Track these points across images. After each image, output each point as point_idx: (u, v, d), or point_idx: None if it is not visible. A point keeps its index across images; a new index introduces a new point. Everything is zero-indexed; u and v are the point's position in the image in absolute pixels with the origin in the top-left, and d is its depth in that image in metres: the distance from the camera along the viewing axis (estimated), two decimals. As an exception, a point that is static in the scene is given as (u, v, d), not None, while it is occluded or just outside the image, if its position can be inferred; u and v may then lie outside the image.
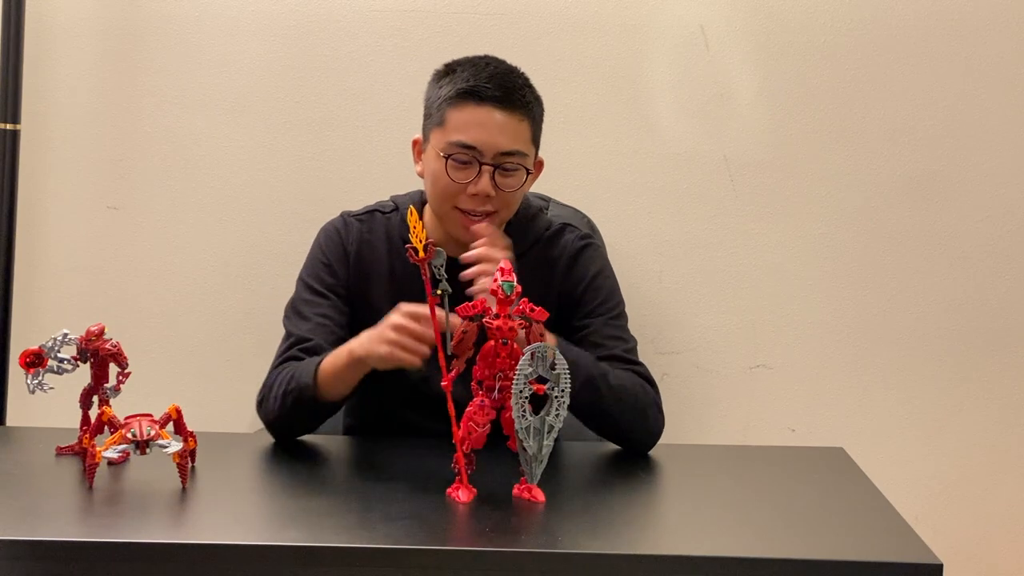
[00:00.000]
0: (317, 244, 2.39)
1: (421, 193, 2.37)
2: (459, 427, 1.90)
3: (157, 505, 1.85)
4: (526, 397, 1.85)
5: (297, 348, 2.26)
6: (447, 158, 2.24)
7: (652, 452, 2.24)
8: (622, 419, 2.22)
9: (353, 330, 2.22)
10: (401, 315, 2.04)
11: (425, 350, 2.01)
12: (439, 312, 1.92)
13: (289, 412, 2.19)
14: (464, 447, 1.89)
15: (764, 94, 2.92)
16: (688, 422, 2.89)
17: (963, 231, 2.95)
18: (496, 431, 1.91)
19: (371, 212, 2.41)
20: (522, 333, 1.91)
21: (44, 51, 2.85)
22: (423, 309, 1.98)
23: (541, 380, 1.86)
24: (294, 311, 2.34)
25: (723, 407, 2.99)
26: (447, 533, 1.84)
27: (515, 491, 1.91)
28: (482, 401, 1.89)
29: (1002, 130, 2.93)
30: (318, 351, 2.23)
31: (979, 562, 3.03)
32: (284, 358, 2.27)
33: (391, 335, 2.04)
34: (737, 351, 2.97)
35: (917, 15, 2.90)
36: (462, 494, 1.89)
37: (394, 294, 2.21)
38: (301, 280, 2.37)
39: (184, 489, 1.89)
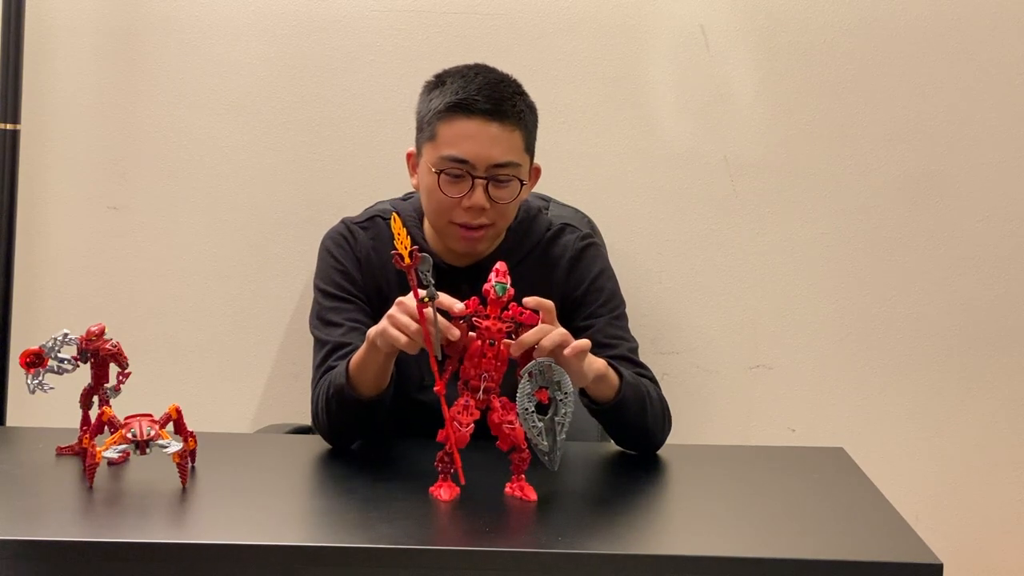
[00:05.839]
0: (327, 252, 2.37)
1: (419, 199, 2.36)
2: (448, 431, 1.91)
3: (157, 505, 1.85)
4: (532, 411, 1.88)
5: (335, 356, 2.23)
6: (439, 173, 2.23)
7: (652, 452, 2.25)
8: (652, 431, 2.23)
9: None
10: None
11: (414, 327, 1.95)
12: (427, 316, 1.90)
13: (337, 417, 2.17)
14: (448, 447, 1.90)
15: (764, 94, 2.92)
16: (688, 422, 2.88)
17: (963, 231, 2.95)
18: (482, 431, 1.92)
19: (371, 219, 2.40)
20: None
21: (44, 51, 2.85)
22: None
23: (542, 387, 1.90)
24: (321, 321, 2.31)
25: (723, 407, 2.98)
26: (446, 533, 1.85)
27: (507, 490, 1.92)
28: (466, 401, 1.90)
29: (1002, 130, 2.93)
30: None
31: (979, 562, 3.03)
32: (325, 368, 2.24)
33: (392, 311, 2.01)
34: (737, 351, 2.97)
35: (917, 15, 2.90)
36: (444, 492, 1.90)
37: None
38: (319, 290, 2.34)
39: (184, 489, 1.90)
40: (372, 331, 2.06)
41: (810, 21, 2.90)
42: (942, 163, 2.94)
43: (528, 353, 1.93)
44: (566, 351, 1.95)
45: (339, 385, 2.14)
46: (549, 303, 1.98)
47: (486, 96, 2.22)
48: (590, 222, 2.72)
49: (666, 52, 2.90)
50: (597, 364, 2.10)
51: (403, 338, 1.96)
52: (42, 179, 2.88)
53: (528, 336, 1.92)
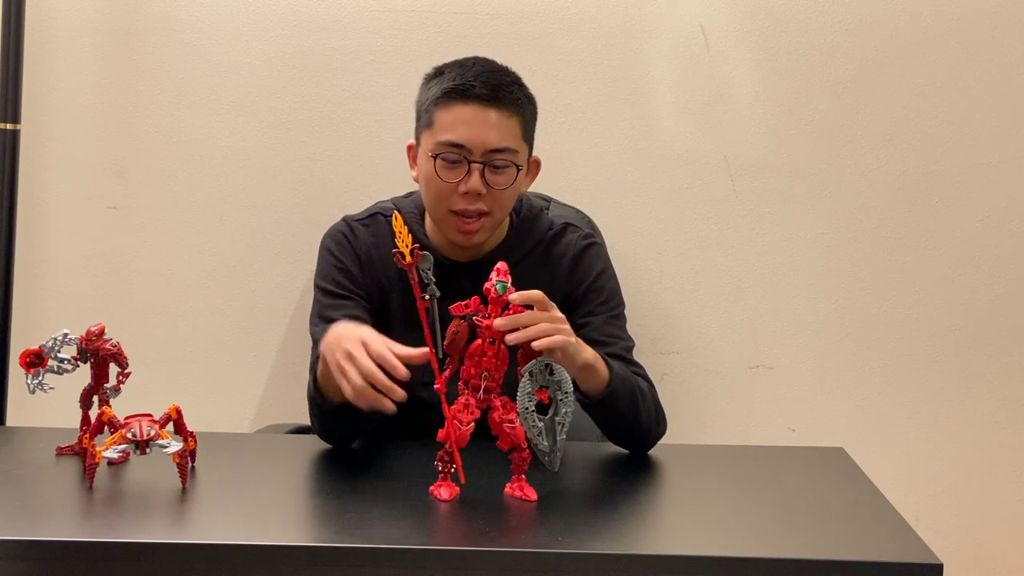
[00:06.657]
0: (327, 250, 2.37)
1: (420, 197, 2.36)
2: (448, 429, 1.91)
3: (157, 505, 1.85)
4: (532, 411, 1.88)
5: None
6: (436, 158, 2.23)
7: (652, 452, 2.24)
8: (644, 426, 2.23)
9: None
10: (367, 352, 1.96)
11: (360, 384, 1.95)
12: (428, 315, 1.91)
13: (322, 423, 2.20)
14: (448, 445, 1.90)
15: (764, 94, 2.92)
16: (688, 422, 2.89)
17: (963, 231, 2.95)
18: (482, 430, 1.92)
19: (373, 216, 2.40)
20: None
21: (44, 51, 2.85)
22: (398, 349, 1.94)
23: (542, 387, 1.90)
24: (321, 318, 2.30)
25: (723, 407, 2.98)
26: (446, 533, 1.85)
27: (507, 490, 1.92)
28: (467, 400, 1.91)
29: (1002, 130, 2.93)
30: None
31: (979, 562, 3.03)
32: None
33: (343, 361, 1.98)
34: (737, 351, 2.97)
35: (917, 15, 2.90)
36: (444, 491, 1.90)
37: (404, 298, 2.22)
38: (319, 288, 2.35)
39: (184, 489, 1.90)
40: (323, 346, 2.06)
41: (810, 21, 2.90)
42: (942, 163, 2.94)
43: (528, 351, 1.93)
44: (535, 343, 1.92)
45: (312, 393, 2.18)
46: (537, 293, 1.96)
47: (483, 82, 2.23)
48: (590, 222, 2.72)
49: (666, 52, 2.90)
50: (586, 353, 2.10)
51: (349, 390, 1.97)
52: (42, 179, 2.88)
53: (521, 316, 1.92)
